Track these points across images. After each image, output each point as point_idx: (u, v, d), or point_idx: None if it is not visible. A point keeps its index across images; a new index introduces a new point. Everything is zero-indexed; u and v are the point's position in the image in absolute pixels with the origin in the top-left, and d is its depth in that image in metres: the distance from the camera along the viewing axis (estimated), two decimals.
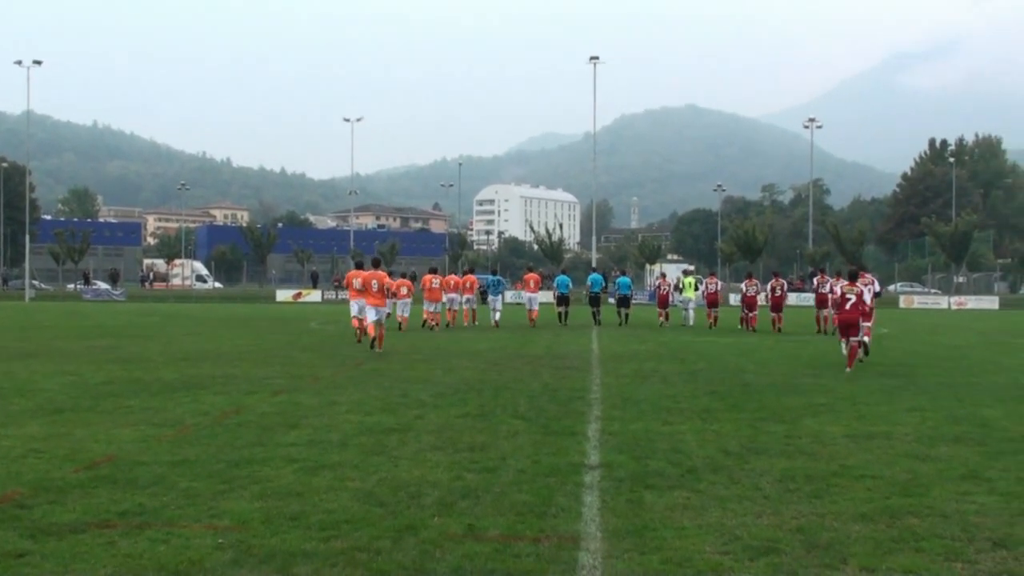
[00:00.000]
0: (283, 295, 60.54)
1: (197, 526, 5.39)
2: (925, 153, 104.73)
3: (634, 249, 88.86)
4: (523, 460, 7.29)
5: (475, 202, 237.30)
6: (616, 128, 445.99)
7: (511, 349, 19.01)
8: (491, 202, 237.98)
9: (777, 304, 26.58)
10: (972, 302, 54.60)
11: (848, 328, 15.37)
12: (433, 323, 25.92)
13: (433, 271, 27.05)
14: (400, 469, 6.95)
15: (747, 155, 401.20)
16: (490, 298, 29.12)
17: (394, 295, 21.57)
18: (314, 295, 60.43)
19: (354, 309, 19.22)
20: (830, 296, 21.77)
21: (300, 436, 8.32)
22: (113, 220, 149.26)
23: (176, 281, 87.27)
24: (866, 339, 16.45)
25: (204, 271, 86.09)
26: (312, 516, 5.60)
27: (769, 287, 27.38)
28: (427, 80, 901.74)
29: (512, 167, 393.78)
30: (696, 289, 30.80)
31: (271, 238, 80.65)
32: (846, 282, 16.01)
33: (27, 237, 67.25)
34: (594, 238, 70.09)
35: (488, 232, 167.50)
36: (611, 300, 32.65)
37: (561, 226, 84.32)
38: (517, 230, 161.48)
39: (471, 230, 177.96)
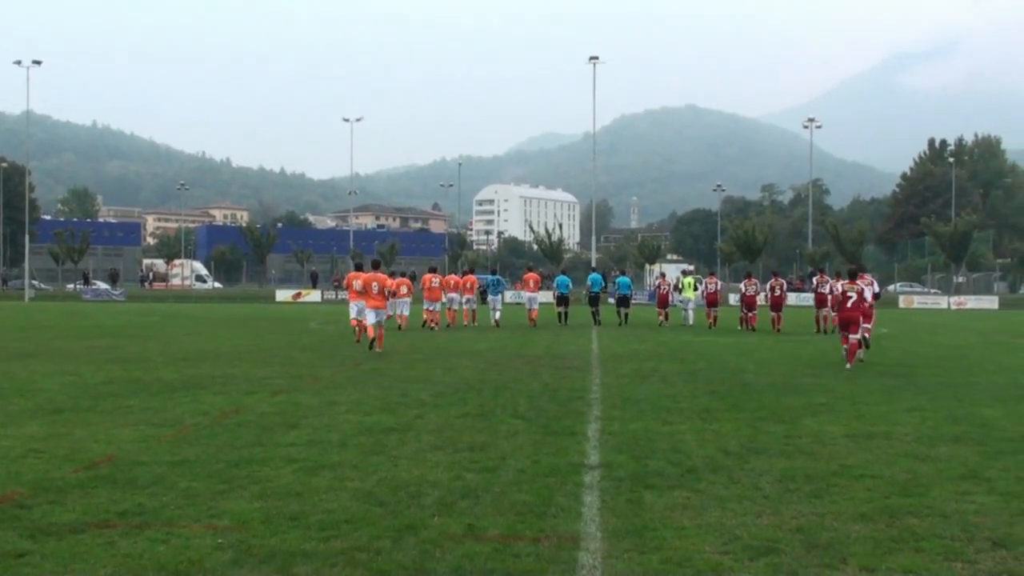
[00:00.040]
0: (283, 295, 60.54)
1: (197, 526, 5.39)
2: (925, 153, 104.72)
3: (634, 249, 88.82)
4: (523, 460, 7.30)
5: (475, 202, 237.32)
6: (616, 128, 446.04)
7: (511, 349, 19.01)
8: (491, 202, 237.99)
9: (777, 304, 26.59)
10: (972, 302, 54.61)
11: (849, 325, 15.59)
12: (433, 323, 25.91)
13: (432, 270, 27.07)
14: (400, 469, 6.95)
15: (747, 155, 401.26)
16: (490, 298, 29.13)
17: (393, 294, 21.60)
18: (314, 295, 60.43)
19: (353, 312, 19.31)
20: (830, 297, 21.81)
21: (300, 436, 8.32)
22: (113, 220, 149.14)
23: (176, 281, 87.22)
24: (867, 335, 16.63)
25: (204, 271, 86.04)
26: (312, 516, 5.60)
27: (768, 287, 27.39)
28: (427, 80, 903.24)
29: (512, 167, 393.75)
30: (695, 289, 30.81)
31: (271, 238, 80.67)
32: (847, 280, 16.20)
33: (27, 237, 67.21)
34: (594, 238, 70.10)
35: (488, 232, 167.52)
36: (611, 300, 32.65)
37: (561, 226, 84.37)
38: (517, 230, 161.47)
39: (471, 230, 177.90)
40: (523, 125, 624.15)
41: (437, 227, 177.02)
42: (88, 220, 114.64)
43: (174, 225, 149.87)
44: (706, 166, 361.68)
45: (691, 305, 30.10)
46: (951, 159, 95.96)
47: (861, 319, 15.83)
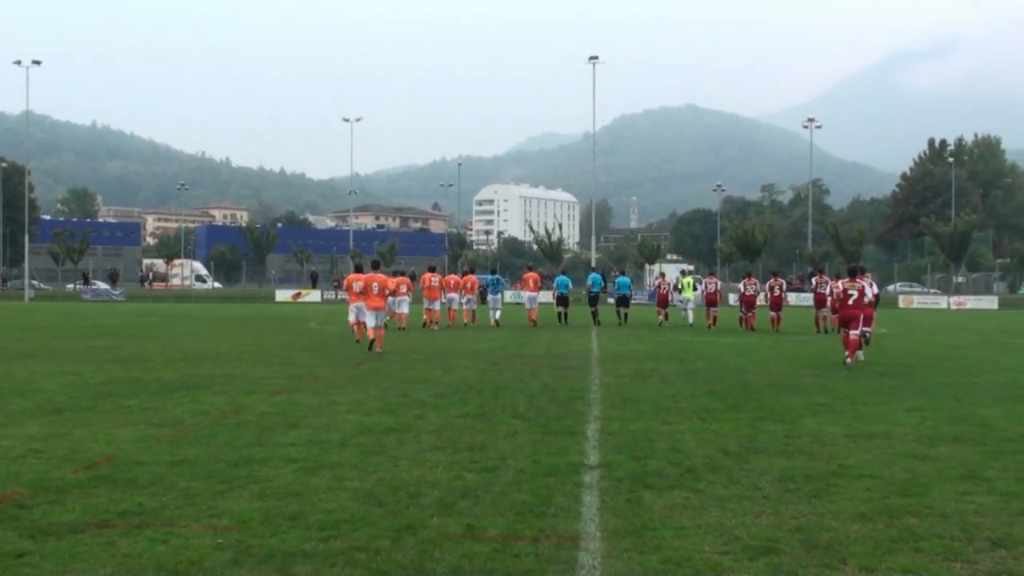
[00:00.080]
0: (282, 295, 60.51)
1: (196, 526, 5.40)
2: (924, 153, 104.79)
3: (633, 249, 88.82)
4: (523, 460, 7.30)
5: (474, 202, 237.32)
6: (616, 128, 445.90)
7: (511, 349, 19.02)
8: (490, 202, 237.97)
9: (776, 304, 26.61)
10: (971, 302, 54.60)
11: (849, 322, 15.81)
12: (433, 324, 25.91)
13: (432, 270, 27.07)
14: (399, 469, 6.95)
15: (747, 155, 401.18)
16: (490, 298, 29.14)
17: (393, 294, 21.62)
18: (313, 295, 60.42)
19: (352, 315, 19.41)
20: (829, 298, 21.82)
21: (299, 436, 8.33)
22: (112, 220, 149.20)
23: (175, 281, 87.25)
24: (867, 331, 16.74)
25: (203, 271, 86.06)
26: (311, 516, 5.60)
27: (768, 287, 27.40)
28: (427, 80, 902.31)
29: (512, 167, 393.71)
30: (695, 289, 30.83)
31: (270, 238, 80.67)
32: (847, 279, 16.30)
33: (26, 237, 67.19)
34: (593, 238, 70.12)
35: (488, 232, 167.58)
36: (610, 300, 32.65)
37: (560, 226, 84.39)
38: (517, 230, 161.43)
39: (470, 230, 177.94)
40: (523, 125, 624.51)
41: (437, 227, 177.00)
42: (88, 220, 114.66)
43: (174, 225, 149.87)
44: (706, 166, 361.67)
45: (691, 305, 30.09)
46: (951, 159, 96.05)
47: (862, 316, 15.93)
